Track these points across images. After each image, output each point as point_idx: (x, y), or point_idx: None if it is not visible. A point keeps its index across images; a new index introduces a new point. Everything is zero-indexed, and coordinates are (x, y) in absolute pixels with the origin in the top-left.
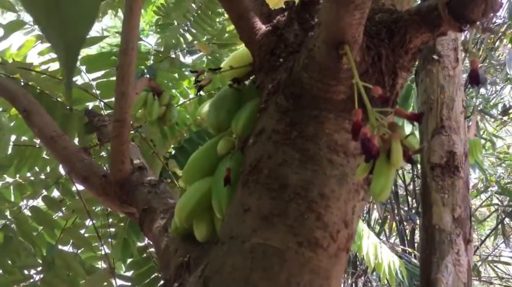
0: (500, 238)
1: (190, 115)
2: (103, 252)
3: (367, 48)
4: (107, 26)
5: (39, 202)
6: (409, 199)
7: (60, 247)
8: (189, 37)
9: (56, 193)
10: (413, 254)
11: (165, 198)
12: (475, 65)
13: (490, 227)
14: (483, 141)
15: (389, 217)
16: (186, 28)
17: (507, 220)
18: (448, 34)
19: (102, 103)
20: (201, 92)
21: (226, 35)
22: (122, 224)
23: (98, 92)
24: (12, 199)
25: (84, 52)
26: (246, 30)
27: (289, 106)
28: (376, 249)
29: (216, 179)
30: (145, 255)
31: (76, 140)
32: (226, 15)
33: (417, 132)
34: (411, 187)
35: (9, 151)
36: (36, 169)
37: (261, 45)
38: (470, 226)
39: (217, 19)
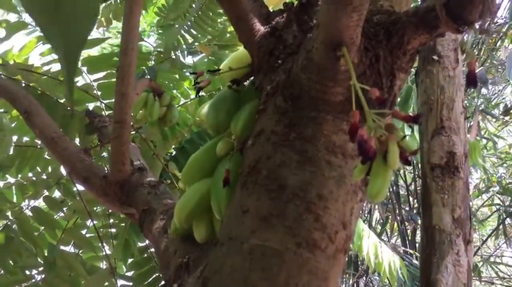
0: (501, 238)
1: (190, 115)
2: (104, 252)
3: (365, 50)
4: (108, 27)
5: (40, 203)
6: (411, 199)
7: (61, 247)
8: (190, 38)
9: (57, 194)
10: (414, 256)
11: (164, 199)
12: (473, 66)
13: (492, 227)
14: (484, 141)
15: (390, 217)
16: (186, 29)
17: (508, 220)
18: (448, 35)
19: (103, 105)
20: (202, 93)
21: (227, 35)
22: (123, 224)
23: (99, 93)
24: (15, 199)
25: (86, 53)
26: (245, 32)
27: (288, 108)
28: (377, 248)
29: (215, 180)
30: (146, 255)
31: (77, 141)
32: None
33: (417, 134)
34: (412, 187)
35: (11, 152)
36: (38, 169)
37: (260, 46)
38: (470, 226)
39: (218, 20)
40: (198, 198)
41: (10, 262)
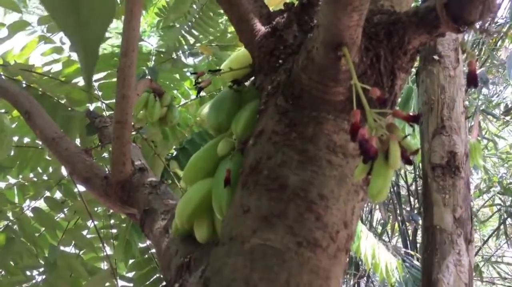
0: (502, 238)
1: (191, 116)
2: (105, 253)
3: (366, 50)
4: (109, 28)
5: (41, 203)
6: (411, 199)
7: (62, 248)
8: (191, 39)
9: (58, 194)
10: (415, 257)
11: (166, 199)
12: (473, 66)
13: (493, 227)
14: (485, 141)
15: (391, 217)
16: (187, 29)
17: (509, 220)
18: (449, 35)
19: (104, 105)
20: (203, 93)
21: (228, 36)
22: (124, 225)
23: (100, 93)
24: (16, 200)
25: None
26: (245, 32)
27: (289, 107)
28: (374, 249)
29: (217, 180)
30: (146, 256)
31: (78, 142)
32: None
33: (417, 134)
34: (413, 187)
35: (12, 152)
36: (39, 170)
37: (260, 47)
38: (471, 226)
39: (219, 20)
40: (199, 198)
41: (11, 262)
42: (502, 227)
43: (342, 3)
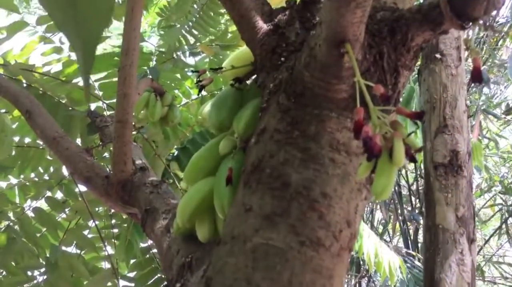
0: (504, 237)
1: (192, 115)
2: (106, 253)
3: (369, 47)
4: (110, 28)
5: (42, 203)
6: (413, 199)
7: (63, 248)
8: (191, 39)
9: (59, 194)
10: (416, 257)
11: (167, 198)
12: (477, 63)
13: (494, 226)
14: (486, 141)
15: (392, 217)
16: (188, 29)
17: (511, 219)
18: (451, 33)
19: (105, 105)
20: (204, 93)
21: (229, 36)
22: (125, 225)
23: (101, 93)
24: (17, 199)
25: None
26: (247, 30)
27: (291, 105)
28: (377, 248)
29: (218, 179)
30: (148, 256)
31: (79, 142)
32: (228, 16)
33: (420, 133)
34: (414, 186)
35: (13, 152)
36: (40, 169)
37: (262, 44)
38: (473, 225)
39: (220, 20)
40: (200, 197)
41: (12, 263)
42: (503, 226)
43: None
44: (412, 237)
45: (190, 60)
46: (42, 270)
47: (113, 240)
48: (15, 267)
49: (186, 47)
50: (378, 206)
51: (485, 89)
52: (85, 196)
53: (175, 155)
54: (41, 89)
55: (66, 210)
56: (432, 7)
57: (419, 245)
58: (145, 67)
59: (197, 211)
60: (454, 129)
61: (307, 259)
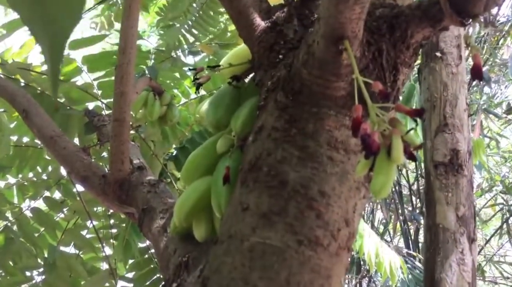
0: (505, 237)
1: (191, 115)
2: (104, 253)
3: (368, 44)
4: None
5: (40, 203)
6: (413, 198)
7: (61, 248)
8: (191, 38)
9: (57, 194)
10: (417, 258)
11: (164, 198)
12: (477, 60)
13: (495, 226)
14: (487, 140)
15: (393, 217)
16: (187, 28)
17: None
18: (451, 31)
19: (103, 104)
20: (203, 92)
21: (228, 35)
22: (124, 225)
23: (99, 92)
24: (16, 199)
25: (87, 51)
26: (245, 27)
27: (289, 103)
28: (377, 248)
29: (216, 177)
30: (146, 256)
31: (76, 141)
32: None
33: (420, 132)
34: (415, 186)
35: (11, 152)
36: (39, 169)
37: (260, 42)
38: (474, 224)
39: (220, 19)
40: (197, 196)
41: (10, 263)
42: (504, 226)
43: None
44: (412, 237)
45: (190, 60)
46: (40, 270)
47: (111, 240)
48: (13, 267)
49: (185, 46)
50: (379, 206)
51: (486, 89)
52: (83, 196)
53: (173, 154)
54: (39, 88)
55: (64, 210)
56: (431, 4)
57: (420, 245)
58: (143, 66)
59: (194, 210)
60: (455, 128)
61: (305, 259)
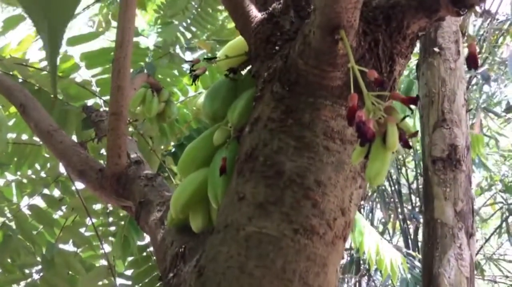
0: (504, 236)
1: (190, 112)
2: (102, 251)
3: (364, 34)
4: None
5: (38, 201)
6: (413, 197)
7: (60, 245)
8: (189, 35)
9: (56, 192)
10: (417, 258)
11: (161, 191)
12: (473, 48)
13: (495, 225)
14: (487, 139)
15: (392, 216)
16: (185, 25)
17: (511, 218)
18: (449, 27)
19: (102, 101)
20: (201, 89)
21: (226, 32)
22: (122, 222)
23: (98, 89)
24: (14, 197)
25: (85, 48)
26: (241, 18)
27: (285, 94)
28: (378, 245)
29: (212, 169)
30: (145, 253)
31: (74, 138)
32: (226, 12)
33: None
34: (414, 185)
35: (9, 149)
36: (37, 166)
37: (256, 33)
38: (472, 219)
39: (219, 17)
40: (194, 187)
41: (8, 260)
42: (504, 225)
43: None
44: (412, 236)
45: (189, 57)
46: (39, 267)
47: (110, 238)
48: (11, 264)
49: (183, 43)
50: (378, 205)
51: (486, 87)
52: (81, 194)
53: (172, 151)
54: (36, 84)
55: (63, 207)
56: None
57: (419, 244)
58: (142, 63)
59: (190, 202)
60: (453, 124)
61: (301, 247)
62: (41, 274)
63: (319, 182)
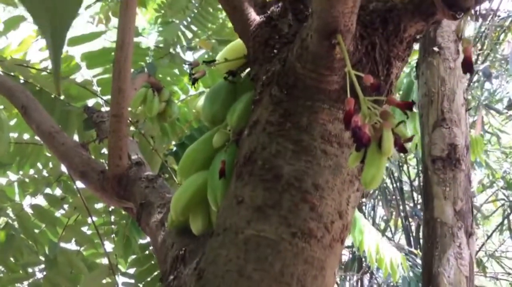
0: (506, 233)
1: (190, 111)
2: (104, 250)
3: (361, 38)
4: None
5: (41, 200)
6: (414, 194)
7: (62, 244)
8: (189, 35)
9: (58, 191)
10: (419, 256)
11: (162, 193)
12: (468, 53)
13: (497, 222)
14: (488, 136)
15: (394, 213)
16: (186, 25)
17: None
18: (449, 26)
19: (103, 101)
20: (202, 88)
21: (226, 31)
22: (124, 221)
23: (99, 89)
24: (16, 196)
25: (86, 48)
26: (240, 22)
27: (283, 97)
28: (378, 244)
29: (212, 172)
30: (147, 252)
31: (76, 138)
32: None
33: (419, 128)
34: (416, 182)
35: (11, 149)
36: (39, 166)
37: (255, 36)
38: (472, 219)
39: (219, 16)
40: (194, 190)
41: (11, 259)
42: (505, 222)
43: None
44: (414, 234)
45: (189, 57)
46: (41, 266)
47: (112, 236)
48: (14, 263)
49: (184, 42)
50: (380, 203)
51: (487, 85)
52: (83, 193)
53: (173, 151)
54: (37, 85)
55: (65, 206)
56: None
57: (421, 241)
58: (142, 63)
59: (190, 204)
60: (452, 123)
61: (299, 251)
62: (44, 273)
63: (316, 185)
